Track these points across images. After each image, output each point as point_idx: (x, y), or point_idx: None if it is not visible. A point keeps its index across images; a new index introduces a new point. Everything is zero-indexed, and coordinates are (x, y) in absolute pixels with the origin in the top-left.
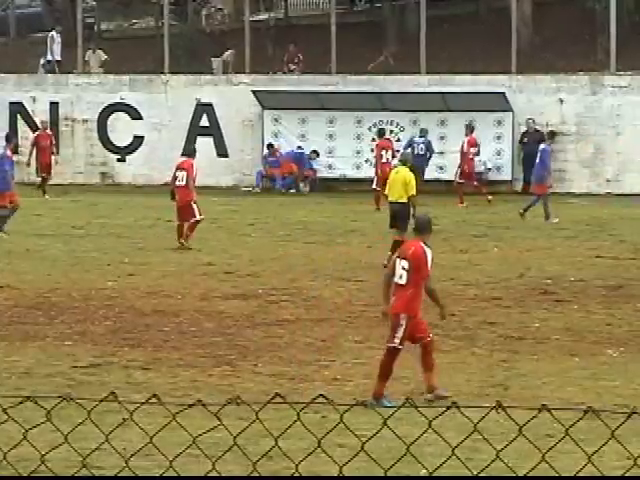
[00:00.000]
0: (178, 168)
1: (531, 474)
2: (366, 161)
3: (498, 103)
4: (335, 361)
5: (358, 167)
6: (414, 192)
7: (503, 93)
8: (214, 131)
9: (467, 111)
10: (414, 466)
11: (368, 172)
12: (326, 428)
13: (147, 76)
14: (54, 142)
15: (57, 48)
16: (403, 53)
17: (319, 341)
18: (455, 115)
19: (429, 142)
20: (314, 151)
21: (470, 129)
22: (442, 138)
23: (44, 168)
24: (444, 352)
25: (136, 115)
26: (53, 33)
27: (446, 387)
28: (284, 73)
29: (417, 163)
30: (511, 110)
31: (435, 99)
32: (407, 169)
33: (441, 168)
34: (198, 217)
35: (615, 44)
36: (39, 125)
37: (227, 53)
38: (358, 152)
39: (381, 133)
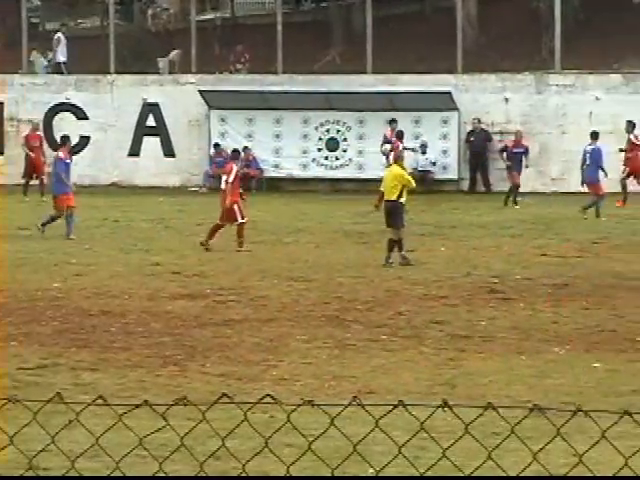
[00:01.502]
0: (224, 172)
1: (477, 472)
2: (313, 160)
3: (444, 102)
4: (283, 361)
5: (305, 167)
6: (412, 184)
7: (449, 92)
8: (161, 131)
9: (413, 110)
10: (362, 465)
11: (315, 172)
12: (274, 428)
13: (93, 76)
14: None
15: (64, 49)
16: (350, 53)
17: (267, 341)
18: (401, 114)
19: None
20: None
21: (632, 126)
22: None
23: (36, 169)
24: (392, 351)
25: (82, 115)
26: (60, 35)
27: (393, 387)
28: (231, 73)
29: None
30: (457, 109)
31: (381, 99)
32: (398, 167)
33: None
34: (240, 220)
35: (560, 43)
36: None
37: (173, 53)
38: (305, 152)
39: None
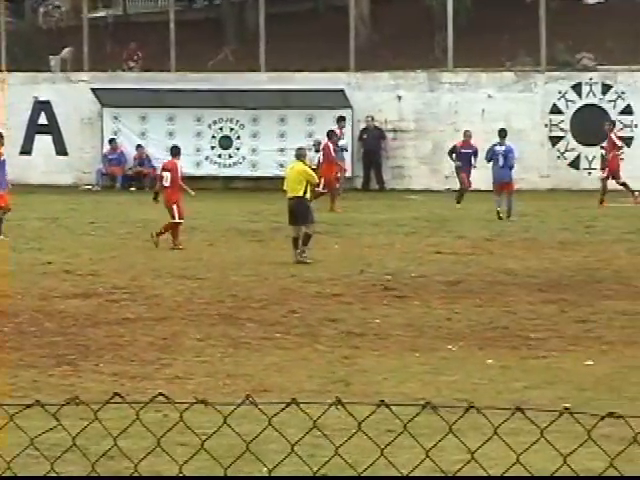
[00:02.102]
0: (163, 169)
1: (370, 469)
2: (206, 158)
3: (337, 100)
4: (177, 359)
5: (198, 164)
6: (315, 179)
7: (342, 90)
8: (53, 129)
9: (307, 108)
10: (256, 464)
11: (208, 170)
12: (167, 427)
13: None
14: None
15: None
16: (243, 51)
17: (160, 340)
18: (295, 112)
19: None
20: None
21: (613, 124)
22: (282, 135)
23: None
24: (285, 349)
25: None
26: None
27: (288, 385)
28: (123, 71)
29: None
30: (350, 107)
31: (275, 96)
32: (301, 164)
33: (281, 165)
34: (177, 219)
35: (452, 41)
36: None
37: (65, 51)
38: (198, 150)
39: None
